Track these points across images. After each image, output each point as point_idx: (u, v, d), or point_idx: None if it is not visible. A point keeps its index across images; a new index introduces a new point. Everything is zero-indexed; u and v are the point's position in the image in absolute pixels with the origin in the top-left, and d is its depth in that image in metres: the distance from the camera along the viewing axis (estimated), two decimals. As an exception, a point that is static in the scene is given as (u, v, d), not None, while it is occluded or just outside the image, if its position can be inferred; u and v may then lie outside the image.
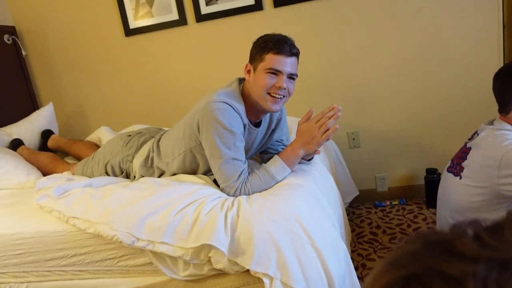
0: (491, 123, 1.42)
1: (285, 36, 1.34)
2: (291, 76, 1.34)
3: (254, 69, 1.34)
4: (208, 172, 1.49)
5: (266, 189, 1.32)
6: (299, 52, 1.36)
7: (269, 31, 1.40)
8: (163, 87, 2.58)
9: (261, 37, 1.36)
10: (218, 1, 2.34)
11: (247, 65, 1.37)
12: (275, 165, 1.35)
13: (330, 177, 1.59)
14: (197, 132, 1.36)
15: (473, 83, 2.22)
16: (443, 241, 0.31)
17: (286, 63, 1.30)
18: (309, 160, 1.50)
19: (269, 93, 1.32)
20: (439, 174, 2.28)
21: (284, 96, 1.35)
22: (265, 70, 1.31)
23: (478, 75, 2.19)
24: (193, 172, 1.51)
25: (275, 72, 1.31)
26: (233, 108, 1.30)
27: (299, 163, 1.43)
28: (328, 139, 1.33)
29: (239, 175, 1.30)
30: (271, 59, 1.30)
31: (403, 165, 2.45)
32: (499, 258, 0.28)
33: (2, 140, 2.11)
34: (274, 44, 1.29)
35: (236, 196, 1.28)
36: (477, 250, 0.28)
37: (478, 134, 1.43)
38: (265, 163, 1.39)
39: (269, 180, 1.33)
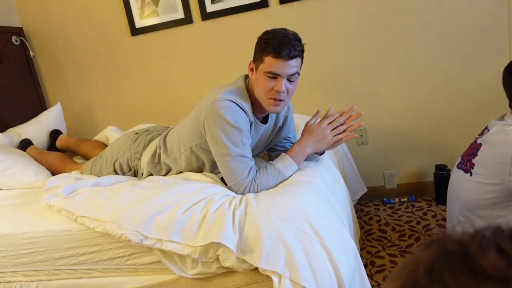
0: (502, 118, 1.40)
1: (287, 36, 1.26)
2: (291, 77, 1.29)
3: (256, 69, 1.31)
4: (214, 170, 1.49)
5: (274, 186, 1.32)
6: (303, 50, 1.30)
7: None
8: (170, 85, 2.59)
9: (265, 33, 1.30)
10: (223, -1, 2.33)
11: (250, 62, 1.35)
12: (282, 161, 1.35)
13: (338, 174, 1.58)
14: (202, 130, 1.35)
15: (482, 78, 2.18)
16: (462, 254, 0.27)
17: (285, 66, 1.25)
18: (315, 161, 1.51)
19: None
20: (449, 170, 2.25)
21: (283, 99, 1.31)
22: (264, 73, 1.27)
23: (487, 70, 2.16)
24: (200, 169, 1.51)
25: (274, 76, 1.27)
26: (239, 106, 1.29)
27: (307, 160, 1.49)
28: (339, 143, 1.39)
29: (249, 172, 1.29)
30: (270, 63, 1.25)
31: (411, 161, 2.42)
32: None
33: (11, 141, 2.13)
34: (274, 48, 1.23)
35: (245, 194, 1.28)
36: (505, 270, 0.25)
37: (488, 130, 1.41)
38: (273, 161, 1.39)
39: (277, 175, 1.32)
